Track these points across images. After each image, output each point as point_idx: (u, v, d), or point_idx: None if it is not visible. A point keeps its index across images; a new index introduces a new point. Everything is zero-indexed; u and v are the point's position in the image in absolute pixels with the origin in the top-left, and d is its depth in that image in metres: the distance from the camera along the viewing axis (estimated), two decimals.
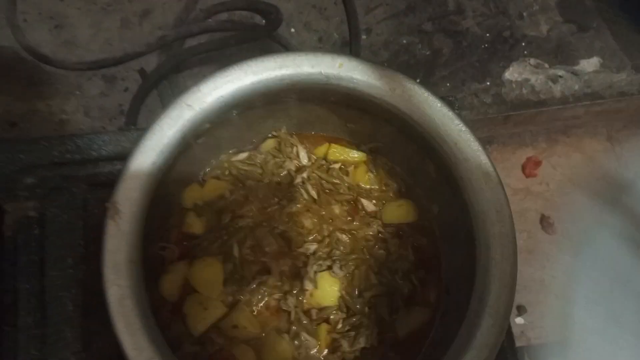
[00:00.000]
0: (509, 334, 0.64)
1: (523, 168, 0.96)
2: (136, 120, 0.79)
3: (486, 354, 0.43)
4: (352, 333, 0.56)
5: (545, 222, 0.94)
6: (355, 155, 0.63)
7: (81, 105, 0.84)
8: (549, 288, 0.91)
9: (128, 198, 0.45)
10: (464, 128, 0.49)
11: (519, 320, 0.89)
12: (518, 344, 0.87)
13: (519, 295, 0.88)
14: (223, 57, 0.86)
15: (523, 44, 0.94)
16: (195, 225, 0.59)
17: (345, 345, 0.55)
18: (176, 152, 0.49)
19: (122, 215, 0.44)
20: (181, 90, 0.80)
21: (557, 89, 0.91)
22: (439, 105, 0.49)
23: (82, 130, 0.83)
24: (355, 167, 0.63)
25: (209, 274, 0.56)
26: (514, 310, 0.89)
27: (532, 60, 0.92)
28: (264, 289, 0.57)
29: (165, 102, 0.83)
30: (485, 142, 0.97)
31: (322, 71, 0.50)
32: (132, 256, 0.44)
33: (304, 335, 0.55)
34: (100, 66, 0.84)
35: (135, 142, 0.47)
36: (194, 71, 0.86)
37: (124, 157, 0.68)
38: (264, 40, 0.85)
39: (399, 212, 0.61)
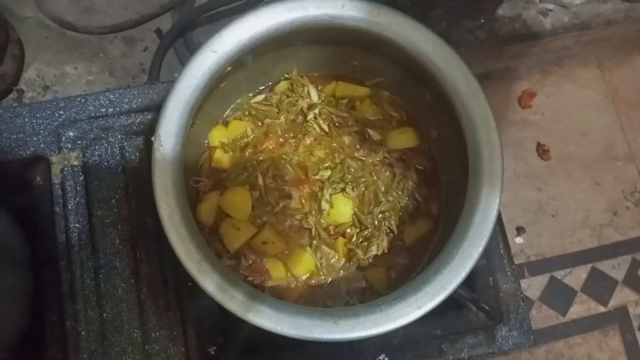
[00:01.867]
0: (506, 244, 0.71)
1: (519, 100, 1.03)
2: (158, 75, 0.87)
3: (479, 242, 0.51)
4: (365, 243, 0.64)
5: (540, 149, 1.01)
6: (360, 90, 0.69)
7: (106, 67, 0.91)
8: (545, 209, 0.99)
9: (168, 131, 0.53)
10: (452, 52, 0.55)
11: (519, 240, 0.97)
12: (518, 261, 0.96)
13: (517, 217, 0.97)
14: (233, 13, 0.93)
15: None
16: (223, 160, 0.67)
17: (359, 253, 0.64)
18: (204, 93, 0.56)
19: (165, 146, 0.52)
20: (196, 43, 0.87)
21: (547, 22, 0.96)
22: (430, 34, 0.56)
23: (109, 89, 0.91)
24: (361, 102, 0.70)
25: (239, 201, 0.64)
26: (513, 231, 0.97)
27: None
28: (287, 211, 0.65)
29: (182, 58, 0.90)
30: (482, 78, 1.03)
31: (327, 12, 0.56)
32: (176, 179, 0.52)
33: (324, 248, 0.64)
34: (120, 29, 0.92)
35: (171, 85, 0.54)
36: (205, 28, 0.93)
37: (152, 107, 0.77)
38: None
39: (401, 138, 0.68)
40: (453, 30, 0.93)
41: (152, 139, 0.53)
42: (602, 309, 0.95)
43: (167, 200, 0.51)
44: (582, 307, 0.94)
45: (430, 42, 0.55)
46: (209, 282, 0.49)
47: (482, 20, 0.95)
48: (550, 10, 0.97)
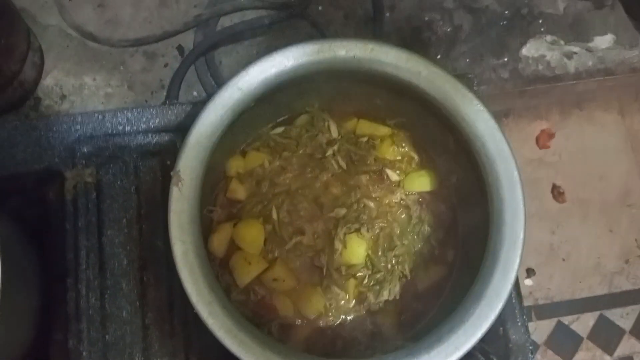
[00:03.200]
0: (518, 293, 0.70)
1: (537, 140, 1.02)
2: (177, 94, 0.86)
3: (497, 303, 0.50)
4: (377, 287, 0.63)
5: (556, 191, 1.00)
6: (381, 129, 0.69)
7: (125, 80, 0.91)
8: (556, 252, 0.98)
9: (188, 166, 0.52)
10: (482, 108, 0.55)
11: (528, 282, 0.96)
12: (526, 303, 0.95)
13: (528, 258, 0.96)
14: (255, 36, 0.92)
15: (540, 20, 0.98)
16: (239, 191, 0.66)
17: (371, 297, 0.63)
18: (226, 129, 0.56)
19: (183, 182, 0.51)
20: (217, 63, 0.87)
21: (571, 65, 0.95)
22: (460, 86, 0.55)
23: (126, 102, 0.91)
24: (381, 140, 0.69)
25: (251, 234, 0.64)
26: (523, 272, 0.96)
27: (549, 37, 0.96)
28: (300, 247, 0.64)
29: (201, 76, 0.90)
30: (501, 115, 1.03)
31: (355, 55, 0.56)
32: (193, 217, 0.52)
33: (335, 289, 0.63)
34: (142, 43, 0.91)
35: (194, 119, 0.54)
36: (228, 48, 0.92)
37: (170, 129, 0.76)
38: (294, 18, 0.91)
39: (420, 181, 0.67)
40: (476, 67, 0.92)
41: (171, 174, 0.52)
42: (607, 358, 0.93)
43: (182, 238, 0.51)
44: (587, 355, 0.93)
45: (460, 95, 0.55)
46: (219, 325, 0.49)
47: (506, 59, 0.94)
48: (575, 53, 0.96)
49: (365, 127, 0.69)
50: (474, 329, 0.50)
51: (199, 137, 0.53)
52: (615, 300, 0.96)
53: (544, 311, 0.95)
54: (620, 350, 0.94)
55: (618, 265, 0.98)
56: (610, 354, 0.93)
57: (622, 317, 0.95)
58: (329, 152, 0.67)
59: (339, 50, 0.56)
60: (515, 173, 0.53)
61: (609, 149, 1.04)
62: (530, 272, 0.96)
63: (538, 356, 0.92)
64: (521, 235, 0.52)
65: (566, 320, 0.94)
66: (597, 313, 0.95)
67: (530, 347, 0.68)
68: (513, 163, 0.53)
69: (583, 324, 0.94)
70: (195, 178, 0.53)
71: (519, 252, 0.52)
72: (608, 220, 1.00)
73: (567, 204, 1.00)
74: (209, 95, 0.88)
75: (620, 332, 0.94)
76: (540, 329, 0.93)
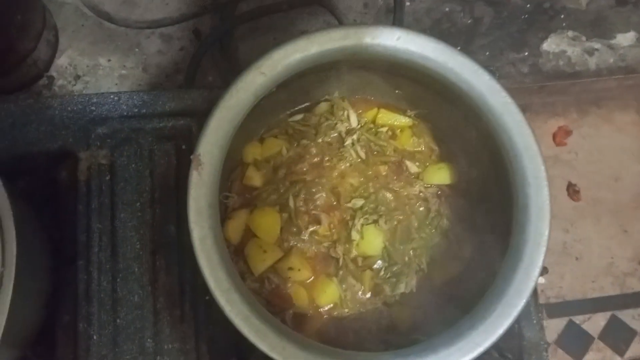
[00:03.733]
0: (534, 292, 0.70)
1: (554, 137, 1.00)
2: (194, 79, 0.85)
3: (518, 301, 0.50)
4: (394, 279, 0.62)
5: (571, 189, 0.99)
6: (402, 120, 0.67)
7: (140, 62, 0.90)
8: (569, 251, 0.97)
9: (208, 151, 0.51)
10: (509, 100, 0.53)
11: (540, 280, 0.94)
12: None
13: None
14: (273, 22, 0.91)
15: (562, 15, 0.96)
16: (255, 178, 0.65)
17: (387, 289, 0.62)
18: (247, 112, 0.55)
19: (203, 166, 0.50)
20: (233, 48, 0.86)
21: (592, 62, 0.94)
22: (487, 78, 0.54)
23: (140, 85, 0.90)
24: (401, 131, 0.68)
25: (267, 221, 0.63)
26: None
27: (570, 33, 0.95)
28: (316, 237, 0.64)
29: (217, 61, 0.88)
30: None
31: (381, 43, 0.54)
32: (211, 202, 0.51)
33: (350, 280, 0.62)
34: (159, 25, 0.90)
35: (215, 102, 0.52)
36: (245, 34, 0.91)
37: (187, 113, 0.75)
38: (312, 5, 0.90)
39: (439, 174, 0.66)
40: (496, 61, 0.91)
41: (191, 157, 0.51)
42: (618, 358, 0.93)
43: (200, 223, 0.50)
44: (598, 355, 0.92)
45: (487, 86, 0.53)
46: (237, 313, 0.48)
47: (527, 54, 0.93)
48: (596, 49, 0.94)
49: (386, 117, 0.67)
50: (494, 326, 0.49)
51: (220, 120, 0.52)
52: (627, 301, 0.95)
53: (555, 310, 0.94)
54: (631, 352, 0.93)
55: (631, 266, 0.97)
56: (621, 354, 0.93)
57: (634, 318, 0.94)
58: (348, 142, 0.66)
59: (365, 38, 0.54)
60: (543, 169, 0.52)
61: (625, 149, 1.02)
62: (543, 271, 0.94)
63: (548, 355, 0.91)
64: (546, 234, 0.51)
65: (577, 319, 0.94)
66: (608, 313, 0.94)
67: (545, 346, 0.68)
68: (540, 159, 0.52)
69: (594, 323, 0.94)
70: (215, 163, 0.52)
71: (542, 250, 0.51)
72: (622, 220, 0.99)
73: (582, 203, 0.99)
74: (225, 81, 0.87)
75: (632, 334, 0.94)
76: (551, 328, 0.92)
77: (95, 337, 0.68)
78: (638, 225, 0.99)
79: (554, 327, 0.93)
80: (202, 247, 0.49)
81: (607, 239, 0.98)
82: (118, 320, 0.68)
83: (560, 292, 0.94)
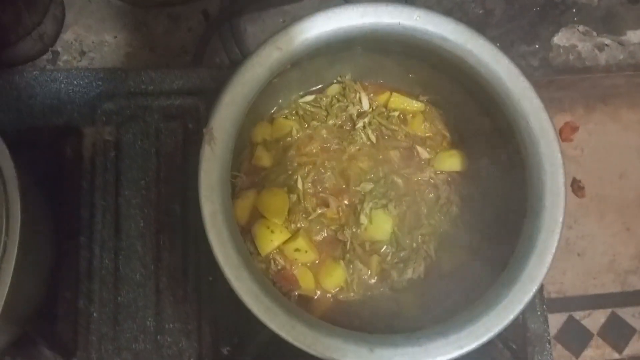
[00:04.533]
0: (540, 289, 0.69)
1: (560, 132, 1.00)
2: (202, 59, 0.84)
3: (531, 287, 0.49)
4: (401, 265, 0.62)
5: (576, 185, 0.98)
6: (414, 105, 0.67)
7: (147, 41, 0.88)
8: (572, 247, 0.96)
9: (221, 126, 0.50)
10: (528, 85, 0.53)
11: None
12: None
13: None
14: (282, 4, 0.90)
15: (573, 10, 0.96)
16: (264, 158, 0.64)
17: (394, 275, 0.61)
18: (262, 87, 0.54)
19: (216, 141, 0.49)
20: (242, 30, 0.84)
21: (602, 57, 0.93)
22: (506, 61, 0.53)
23: (147, 64, 0.88)
24: (413, 116, 0.67)
25: (276, 202, 0.62)
26: None
27: (581, 27, 0.94)
28: (323, 220, 0.63)
29: (225, 43, 0.87)
30: None
31: (400, 22, 0.54)
32: (223, 177, 0.50)
33: (357, 263, 0.62)
34: (167, 4, 0.89)
35: (229, 77, 0.51)
36: (254, 16, 0.89)
37: (194, 92, 0.74)
38: None
39: (450, 161, 0.66)
40: (506, 54, 0.90)
41: (204, 130, 0.50)
42: (616, 355, 0.93)
43: (211, 198, 0.49)
44: (596, 352, 0.92)
45: (505, 69, 0.53)
46: (246, 290, 0.47)
47: (537, 47, 0.92)
48: (606, 45, 0.94)
49: (398, 102, 0.67)
50: (506, 312, 0.48)
51: (234, 95, 0.51)
52: (627, 299, 0.95)
53: (555, 305, 0.93)
54: (630, 349, 0.93)
55: (633, 264, 0.96)
56: (620, 352, 0.92)
57: (633, 316, 0.94)
58: (359, 125, 0.65)
59: (383, 16, 0.53)
60: (559, 156, 0.51)
61: (631, 147, 1.02)
62: None
63: (551, 347, 0.91)
64: (560, 220, 0.50)
65: (577, 315, 0.93)
66: (608, 310, 0.94)
67: (548, 337, 0.67)
68: (557, 145, 0.51)
69: (594, 320, 0.93)
70: (227, 139, 0.51)
71: (557, 237, 0.50)
72: (626, 218, 0.98)
73: (586, 199, 0.98)
74: (233, 62, 0.86)
75: (631, 331, 0.93)
76: (551, 323, 0.90)
77: (95, 315, 0.67)
78: None
79: (553, 322, 0.92)
80: (212, 223, 0.48)
81: (610, 236, 0.97)
82: (119, 298, 0.68)
83: (562, 287, 0.94)
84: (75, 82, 0.74)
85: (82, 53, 0.88)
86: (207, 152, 0.49)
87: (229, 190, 0.51)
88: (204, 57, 0.84)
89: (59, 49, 0.87)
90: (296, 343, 0.46)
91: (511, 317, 0.48)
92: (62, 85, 0.74)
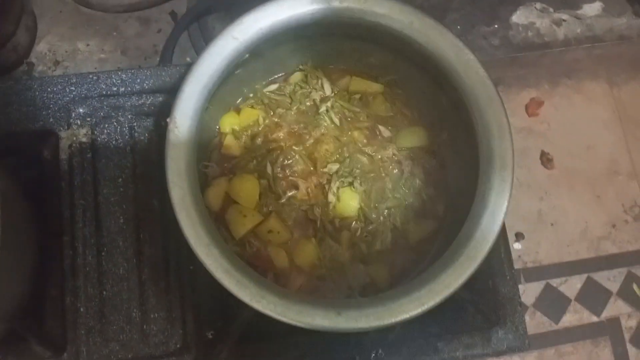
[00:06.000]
0: (507, 250, 0.72)
1: (526, 108, 1.03)
2: (171, 58, 0.87)
3: (484, 244, 0.52)
4: (370, 238, 0.65)
5: (544, 157, 1.01)
6: (374, 86, 0.70)
7: (119, 45, 0.91)
8: (544, 218, 1.00)
9: (184, 114, 0.53)
10: (472, 57, 0.56)
11: (517, 245, 0.98)
12: (515, 266, 0.96)
13: (517, 223, 0.97)
14: (249, 1, 0.93)
15: None
16: (233, 147, 0.67)
17: (363, 247, 0.64)
18: (221, 79, 0.57)
19: (179, 128, 0.52)
20: (211, 29, 0.87)
21: (560, 32, 0.97)
22: (451, 37, 0.56)
23: (120, 68, 0.91)
24: (374, 98, 0.70)
25: (247, 188, 0.64)
26: (512, 237, 0.98)
27: (538, 5, 0.97)
28: (294, 201, 0.66)
29: (195, 42, 0.90)
30: None
31: (349, 5, 0.56)
32: (189, 162, 0.52)
33: (329, 240, 0.64)
34: (136, 8, 0.92)
35: (190, 68, 0.54)
36: (222, 14, 0.92)
37: (164, 90, 0.76)
38: None
39: (411, 137, 0.68)
40: (467, 35, 0.94)
41: (168, 120, 0.53)
42: (594, 319, 0.96)
43: (179, 183, 0.51)
44: (575, 317, 0.95)
45: (450, 44, 0.56)
46: (217, 266, 0.50)
47: (497, 26, 0.95)
48: (564, 20, 0.97)
49: (358, 84, 0.70)
50: (463, 268, 0.51)
51: (194, 85, 0.54)
52: (602, 264, 0.98)
53: (532, 274, 0.97)
54: (607, 312, 0.96)
55: (605, 231, 1.00)
56: (598, 315, 0.96)
57: (609, 279, 0.97)
58: (323, 109, 0.68)
59: (333, 1, 0.56)
60: (505, 120, 0.54)
61: (597, 118, 1.05)
62: (519, 237, 0.98)
63: (527, 317, 0.94)
64: (509, 181, 0.53)
65: (554, 282, 0.97)
66: (584, 276, 0.97)
67: (519, 300, 0.70)
68: (502, 110, 0.54)
69: (571, 286, 0.97)
70: (191, 126, 0.53)
71: (506, 196, 0.53)
72: (595, 187, 1.02)
73: (555, 171, 1.02)
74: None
75: (607, 294, 0.97)
76: (528, 292, 0.95)
77: (82, 310, 0.69)
78: (611, 191, 1.02)
79: (531, 291, 0.96)
80: (181, 206, 0.51)
81: (581, 206, 1.01)
82: (104, 293, 0.70)
83: (537, 257, 0.97)
84: (49, 89, 0.76)
85: (56, 63, 0.91)
86: (172, 139, 0.52)
87: (196, 174, 0.53)
88: (173, 57, 0.87)
89: (34, 60, 0.90)
90: (267, 311, 0.49)
91: (468, 273, 0.51)
92: (37, 93, 0.76)
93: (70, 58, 0.91)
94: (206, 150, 0.67)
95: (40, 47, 0.91)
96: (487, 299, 0.69)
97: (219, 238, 0.52)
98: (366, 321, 0.49)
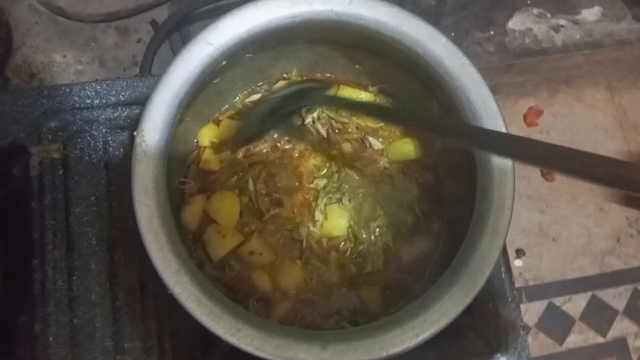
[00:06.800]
0: (508, 269, 0.67)
1: (524, 117, 0.99)
2: (150, 69, 0.82)
3: (484, 268, 0.47)
4: (360, 259, 0.60)
5: (545, 169, 0.97)
6: (363, 96, 0.65)
7: (96, 57, 0.87)
8: (546, 232, 0.95)
9: (154, 126, 0.48)
10: (466, 61, 0.51)
11: (518, 262, 0.93)
12: (516, 284, 0.92)
13: (517, 238, 0.93)
14: (231, 9, 0.89)
15: None
16: (212, 161, 0.63)
17: (353, 269, 0.59)
18: (195, 88, 0.52)
19: (147, 142, 0.48)
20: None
21: (558, 38, 0.93)
22: (443, 40, 0.52)
23: (97, 79, 0.86)
24: None
25: (226, 206, 0.60)
26: (513, 253, 0.93)
27: (535, 10, 0.94)
28: (278, 220, 0.61)
29: (176, 52, 0.86)
30: None
31: (333, 8, 0.52)
32: (158, 179, 0.48)
33: (315, 262, 0.60)
34: (114, 18, 0.87)
35: (160, 76, 0.50)
36: (204, 23, 0.88)
37: (141, 102, 0.72)
38: None
39: (404, 149, 0.64)
40: (462, 41, 0.90)
41: (135, 133, 0.48)
42: (600, 339, 0.91)
43: (146, 202, 0.47)
44: (580, 337, 0.90)
45: (442, 47, 0.51)
46: (187, 295, 0.45)
47: (492, 33, 0.91)
48: (562, 26, 0.94)
49: (347, 94, 0.65)
50: (461, 295, 0.46)
51: (164, 95, 0.49)
52: (607, 281, 0.93)
53: (534, 292, 0.92)
54: (614, 332, 0.91)
55: (609, 245, 0.95)
56: (604, 335, 0.91)
57: (614, 297, 0.92)
58: (308, 120, 0.64)
59: (316, 4, 0.52)
60: (503, 129, 0.50)
61: (597, 126, 1.01)
62: (519, 253, 0.93)
63: (530, 339, 0.89)
64: (510, 197, 0.49)
65: (558, 301, 0.92)
66: (589, 294, 0.92)
67: (522, 324, 0.65)
68: (501, 119, 0.50)
69: (575, 305, 0.92)
70: (161, 138, 0.49)
71: (507, 214, 0.48)
72: (598, 199, 0.97)
73: (556, 183, 0.97)
74: None
75: (613, 313, 0.92)
76: (531, 311, 0.90)
77: (51, 339, 0.64)
78: (614, 203, 0.97)
79: (534, 310, 0.91)
80: (148, 227, 0.46)
81: (583, 218, 0.96)
82: (75, 320, 0.65)
83: (539, 274, 0.92)
84: (19, 102, 0.72)
85: (32, 75, 0.86)
86: (139, 153, 0.47)
87: (165, 192, 0.49)
88: (153, 68, 0.82)
89: (9, 74, 0.86)
90: (243, 346, 0.44)
91: (466, 300, 0.46)
92: (6, 107, 0.72)
93: (46, 70, 0.86)
94: (183, 165, 0.63)
95: (16, 59, 0.86)
96: (487, 323, 0.64)
97: (190, 263, 0.47)
98: (354, 355, 0.44)
